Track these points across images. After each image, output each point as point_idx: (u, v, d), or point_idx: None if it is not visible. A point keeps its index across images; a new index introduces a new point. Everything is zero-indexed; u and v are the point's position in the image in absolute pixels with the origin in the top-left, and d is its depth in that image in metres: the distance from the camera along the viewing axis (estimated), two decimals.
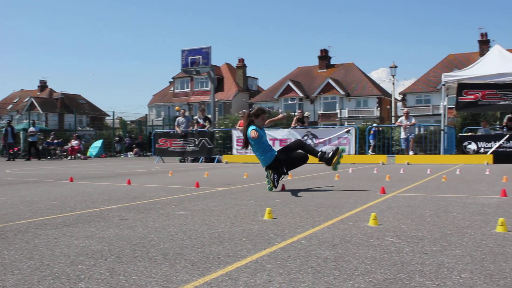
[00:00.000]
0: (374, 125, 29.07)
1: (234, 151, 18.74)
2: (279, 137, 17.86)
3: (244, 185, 7.76)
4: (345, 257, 2.83)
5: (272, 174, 6.85)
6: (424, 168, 11.82)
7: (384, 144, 20.12)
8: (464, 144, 15.99)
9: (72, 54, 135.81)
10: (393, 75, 37.94)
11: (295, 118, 18.92)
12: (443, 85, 16.75)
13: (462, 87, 16.12)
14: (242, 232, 3.66)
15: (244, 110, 25.86)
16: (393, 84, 38.64)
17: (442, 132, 16.73)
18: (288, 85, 58.27)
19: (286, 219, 4.22)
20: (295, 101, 57.41)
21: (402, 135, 18.34)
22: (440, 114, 17.92)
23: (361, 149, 18.57)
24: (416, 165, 14.04)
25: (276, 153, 6.91)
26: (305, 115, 19.64)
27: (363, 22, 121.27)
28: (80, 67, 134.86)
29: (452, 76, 16.66)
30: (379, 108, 55.51)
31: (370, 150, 20.02)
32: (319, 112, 57.16)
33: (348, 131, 17.16)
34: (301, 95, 57.56)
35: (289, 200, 5.60)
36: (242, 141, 8.56)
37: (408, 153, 17.58)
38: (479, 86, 16.03)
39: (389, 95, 48.24)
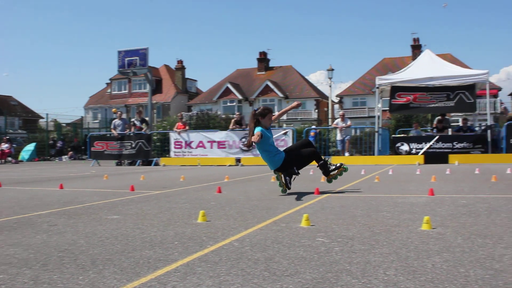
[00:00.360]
0: (313, 126, 29.52)
1: (172, 153, 18.54)
2: (216, 139, 17.84)
3: (180, 188, 7.70)
4: (275, 258, 2.86)
5: (283, 177, 6.59)
6: (359, 169, 12.09)
7: (321, 145, 20.46)
8: (397, 145, 16.49)
9: (3, 54, 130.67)
10: (330, 78, 38.71)
11: (233, 120, 18.94)
12: (377, 88, 17.25)
13: (395, 90, 16.64)
14: (174, 235, 3.63)
15: (183, 113, 25.70)
16: (330, 86, 39.43)
17: (376, 134, 17.19)
18: (227, 87, 58.28)
19: (220, 222, 4.22)
20: (234, 103, 57.50)
21: (338, 137, 18.71)
22: (375, 116, 18.41)
23: None
24: (352, 166, 14.29)
25: (284, 154, 6.63)
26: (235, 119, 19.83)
27: (302, 25, 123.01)
28: (12, 67, 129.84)
29: (385, 79, 17.17)
30: (317, 110, 56.44)
31: None
32: None
33: (285, 133, 17.34)
34: (240, 97, 57.72)
35: (224, 203, 5.60)
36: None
37: (344, 155, 17.94)
38: (411, 89, 16.59)
39: (327, 98, 49.19)
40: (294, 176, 6.69)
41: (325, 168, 6.72)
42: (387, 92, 17.48)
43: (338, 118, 20.05)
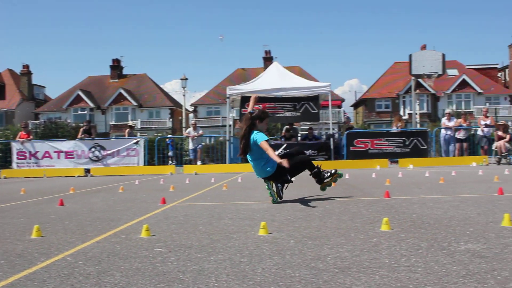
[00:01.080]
0: (170, 136, 29.36)
1: (14, 165, 17.32)
2: (64, 149, 17.00)
3: (18, 202, 7.21)
4: (109, 272, 2.79)
5: (274, 185, 6.18)
6: (210, 177, 12.25)
7: (176, 154, 20.40)
8: None
9: None
10: (184, 87, 38.77)
11: (81, 129, 18.19)
12: (228, 97, 17.63)
13: (245, 100, 17.11)
14: (2, 254, 3.39)
15: (28, 121, 24.10)
16: (184, 95, 39.46)
17: (228, 143, 17.55)
18: (78, 95, 55.79)
19: (56, 236, 4.02)
20: (86, 112, 55.25)
21: (191, 146, 18.80)
22: (231, 125, 18.81)
23: (151, 160, 18.55)
24: (203, 175, 14.48)
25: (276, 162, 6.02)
26: (129, 124, 19.64)
27: (158, 34, 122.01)
28: None
29: (235, 89, 17.62)
30: (171, 119, 56.20)
31: (170, 160, 20.05)
32: (111, 123, 55.87)
33: (137, 143, 17.04)
34: (92, 105, 55.60)
35: (65, 216, 5.35)
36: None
37: (196, 163, 18.06)
38: (260, 99, 17.14)
39: (181, 106, 49.20)
40: (286, 184, 6.29)
41: (318, 176, 6.31)
42: (238, 102, 17.94)
43: (190, 127, 20.14)
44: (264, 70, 24.20)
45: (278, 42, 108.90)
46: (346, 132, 17.06)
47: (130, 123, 21.04)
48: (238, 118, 18.41)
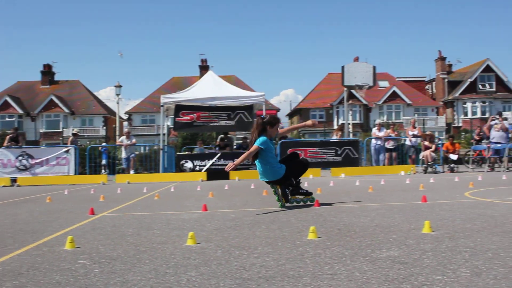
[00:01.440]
0: (104, 144, 28.72)
1: None
2: None
3: None
4: (27, 286, 2.68)
5: (281, 189, 6.35)
6: (142, 186, 12.06)
7: (109, 163, 19.97)
8: (181, 162, 16.83)
9: None
10: (118, 95, 38.02)
11: (8, 137, 17.48)
12: (162, 106, 17.46)
13: (179, 108, 17.03)
14: None
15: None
16: (118, 103, 38.73)
17: (161, 152, 17.37)
18: (6, 101, 53.53)
19: None
20: (14, 118, 53.14)
21: (123, 155, 18.48)
22: (165, 134, 18.63)
23: (82, 169, 18.08)
24: (136, 184, 14.25)
25: (284, 165, 6.33)
26: (73, 131, 19.00)
27: (91, 38, 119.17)
28: None
29: (169, 98, 17.48)
30: (105, 127, 55.00)
31: (103, 169, 19.55)
32: (41, 131, 54.04)
33: (67, 151, 16.56)
34: (21, 112, 53.54)
35: None
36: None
37: (129, 172, 17.75)
38: (194, 108, 17.14)
39: (116, 114, 48.25)
40: (290, 187, 6.45)
41: (296, 189, 6.48)
42: (173, 110, 17.80)
43: (123, 136, 19.79)
44: (200, 78, 24.15)
45: (215, 51, 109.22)
46: (280, 142, 17.25)
47: (75, 130, 20.39)
48: (172, 126, 18.24)
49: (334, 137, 19.26)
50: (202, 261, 3.20)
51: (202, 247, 3.70)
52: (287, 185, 6.42)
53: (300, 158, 6.87)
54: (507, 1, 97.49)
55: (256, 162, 6.46)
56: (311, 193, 6.63)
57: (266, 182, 6.46)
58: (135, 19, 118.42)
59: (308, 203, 6.54)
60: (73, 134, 19.23)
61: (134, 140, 18.74)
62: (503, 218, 4.68)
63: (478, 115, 51.66)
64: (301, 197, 6.58)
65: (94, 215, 6.06)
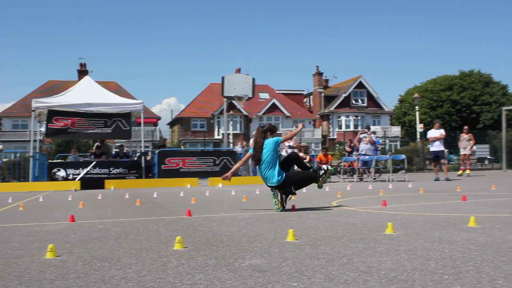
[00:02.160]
0: None
1: None
2: None
3: None
4: None
5: (279, 194, 6.82)
6: (8, 196, 11.32)
7: None
8: (53, 171, 16.04)
9: None
10: None
11: None
12: (33, 110, 16.52)
13: (52, 114, 16.22)
14: None
15: None
16: None
17: (32, 159, 16.43)
18: None
19: None
20: None
21: None
22: (36, 140, 17.63)
23: None
24: (1, 194, 13.34)
25: (284, 172, 6.81)
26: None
27: None
28: None
29: (42, 102, 16.58)
30: None
31: None
32: None
33: None
34: None
35: None
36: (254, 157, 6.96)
37: None
38: (69, 114, 16.40)
39: None
40: (290, 196, 6.94)
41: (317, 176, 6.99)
42: (45, 115, 16.92)
43: None
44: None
45: (97, 56, 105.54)
46: (158, 151, 17.05)
47: None
48: (45, 133, 17.33)
49: (238, 147, 19.31)
50: (60, 274, 3.05)
51: (62, 260, 3.54)
52: (286, 193, 6.90)
53: (309, 172, 7.15)
54: (379, 20, 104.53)
55: (260, 167, 6.98)
56: (327, 168, 7.17)
57: (269, 186, 6.91)
58: (8, 16, 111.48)
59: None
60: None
61: (0, 146, 17.55)
62: (362, 226, 4.97)
63: (351, 128, 54.69)
64: (324, 178, 7.02)
65: None
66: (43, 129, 17.30)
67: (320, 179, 7.03)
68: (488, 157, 32.98)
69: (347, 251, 3.59)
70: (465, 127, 20.21)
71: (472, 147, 19.86)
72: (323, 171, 7.09)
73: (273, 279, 2.79)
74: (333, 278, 2.80)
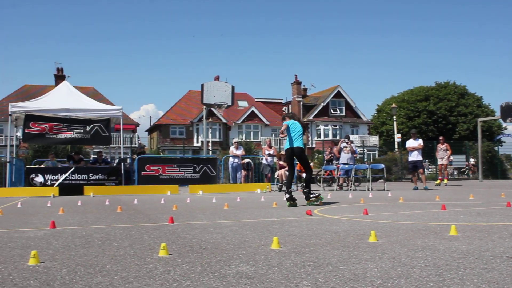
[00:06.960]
0: None
1: None
2: None
3: None
4: None
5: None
6: None
7: None
8: (31, 176, 15.83)
9: None
10: None
11: None
12: (10, 115, 16.30)
13: (29, 118, 16.03)
14: None
15: None
16: None
17: (8, 164, 16.21)
18: None
19: None
20: None
21: None
22: (13, 145, 17.36)
23: None
24: None
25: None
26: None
27: None
28: None
29: (19, 106, 16.38)
30: None
31: None
32: None
33: None
34: None
35: None
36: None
37: None
38: (46, 119, 16.23)
39: None
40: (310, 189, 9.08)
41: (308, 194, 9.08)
42: (22, 120, 16.71)
43: None
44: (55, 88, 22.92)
45: (74, 61, 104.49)
46: (137, 157, 16.95)
47: None
48: (22, 138, 17.10)
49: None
50: (44, 281, 3.02)
51: (45, 266, 3.50)
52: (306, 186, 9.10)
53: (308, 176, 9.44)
54: (357, 31, 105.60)
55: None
56: (319, 194, 9.17)
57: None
58: None
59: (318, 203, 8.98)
60: None
61: None
62: (345, 234, 5.01)
63: (330, 137, 54.95)
64: (313, 198, 8.95)
65: None
66: (19, 134, 17.04)
67: (311, 197, 8.77)
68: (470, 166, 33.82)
69: (332, 259, 3.62)
70: (441, 138, 20.48)
71: (449, 157, 20.16)
72: (318, 192, 9.08)
73: (260, 286, 2.81)
74: (320, 285, 2.82)
